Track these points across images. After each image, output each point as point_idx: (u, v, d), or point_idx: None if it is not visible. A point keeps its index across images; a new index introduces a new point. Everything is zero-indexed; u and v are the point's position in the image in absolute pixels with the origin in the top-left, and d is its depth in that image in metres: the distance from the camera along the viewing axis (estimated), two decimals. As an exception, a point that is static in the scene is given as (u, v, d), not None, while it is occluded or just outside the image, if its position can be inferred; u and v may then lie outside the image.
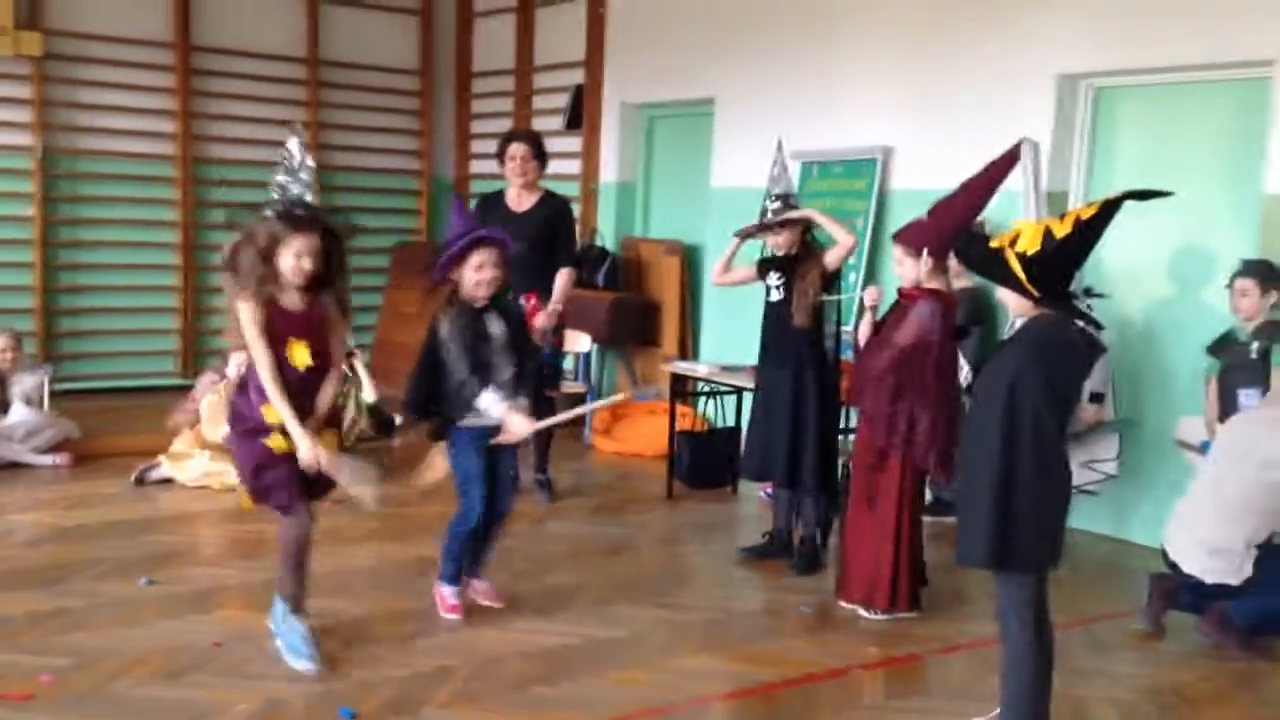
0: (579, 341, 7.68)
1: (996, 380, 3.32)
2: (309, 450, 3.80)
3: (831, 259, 5.09)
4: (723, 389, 6.68)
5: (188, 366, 9.05)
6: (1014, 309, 3.42)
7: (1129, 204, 3.24)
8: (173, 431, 6.48)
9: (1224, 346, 5.11)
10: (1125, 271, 5.89)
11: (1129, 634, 4.65)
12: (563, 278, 5.98)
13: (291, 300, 3.80)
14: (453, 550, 4.45)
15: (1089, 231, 3.26)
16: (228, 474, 6.18)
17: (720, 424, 6.95)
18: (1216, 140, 5.67)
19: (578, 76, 8.97)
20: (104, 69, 8.65)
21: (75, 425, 6.83)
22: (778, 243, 5.15)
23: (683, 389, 6.75)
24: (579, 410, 4.59)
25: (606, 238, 8.68)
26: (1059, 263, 3.26)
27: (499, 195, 6.25)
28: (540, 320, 5.49)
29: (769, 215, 5.11)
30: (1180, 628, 4.61)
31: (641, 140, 8.89)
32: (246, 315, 3.75)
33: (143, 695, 3.67)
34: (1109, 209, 3.26)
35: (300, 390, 3.82)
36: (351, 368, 6.70)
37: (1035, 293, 3.24)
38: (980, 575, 4.93)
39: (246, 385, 3.89)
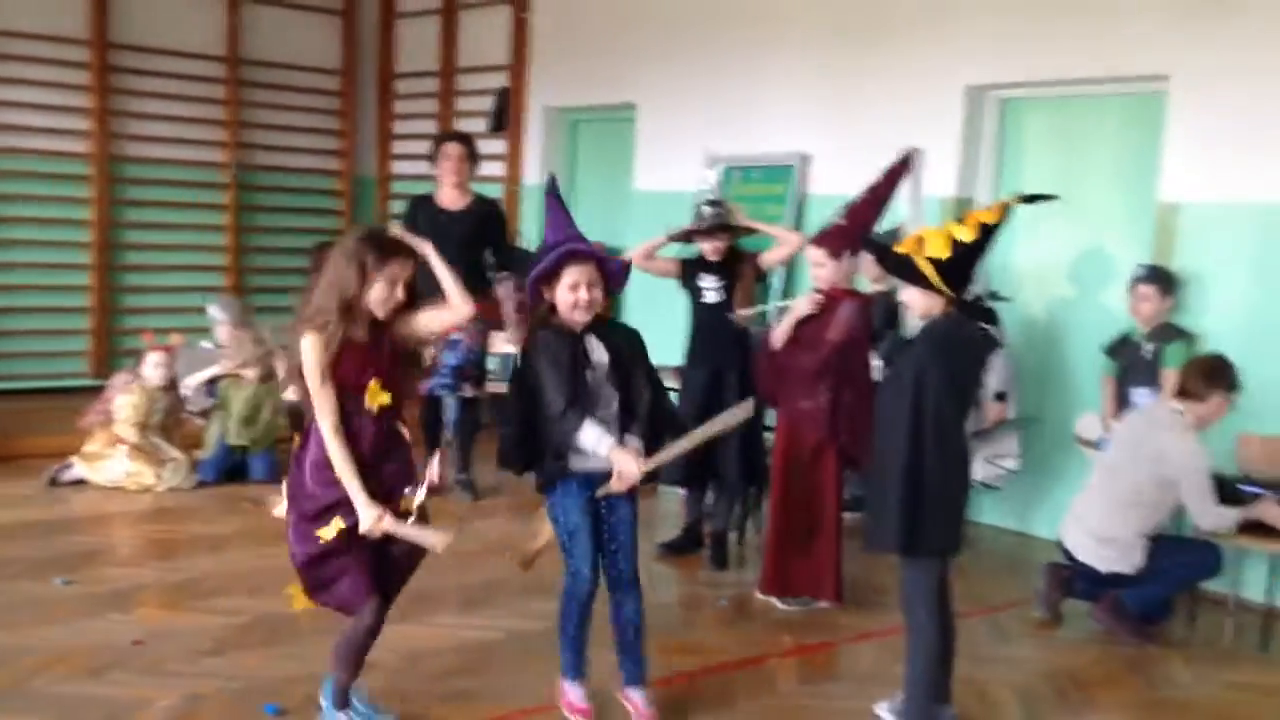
0: (503, 342, 7.73)
1: (903, 377, 3.52)
2: (373, 520, 3.21)
3: (772, 259, 5.28)
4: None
5: (100, 367, 8.88)
6: (920, 311, 3.57)
7: (1033, 211, 3.44)
8: (85, 432, 6.41)
9: (1120, 348, 5.36)
10: (1029, 275, 6.14)
11: (1028, 622, 4.86)
12: (507, 285, 6.07)
13: (359, 333, 3.25)
14: (566, 630, 3.67)
15: (990, 234, 3.46)
16: (144, 474, 6.16)
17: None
18: (1116, 150, 5.94)
19: (502, 80, 9.02)
20: (18, 65, 8.47)
21: (-14, 426, 6.73)
22: (717, 248, 5.29)
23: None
24: (698, 435, 3.71)
25: (530, 240, 8.74)
26: (965, 264, 3.46)
27: (429, 197, 6.28)
28: (512, 343, 5.54)
29: (706, 219, 5.25)
30: (1076, 615, 4.84)
31: (565, 144, 8.97)
32: (314, 355, 3.18)
33: (63, 692, 3.68)
34: (1006, 213, 3.46)
35: (376, 439, 3.28)
36: (272, 366, 6.71)
37: (949, 292, 3.43)
38: (890, 566, 5.14)
39: (302, 457, 3.31)
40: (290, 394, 6.60)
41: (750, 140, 7.29)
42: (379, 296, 3.22)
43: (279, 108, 9.79)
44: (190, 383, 6.69)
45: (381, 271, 3.20)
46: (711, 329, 5.31)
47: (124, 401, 6.27)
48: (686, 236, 5.41)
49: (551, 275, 3.48)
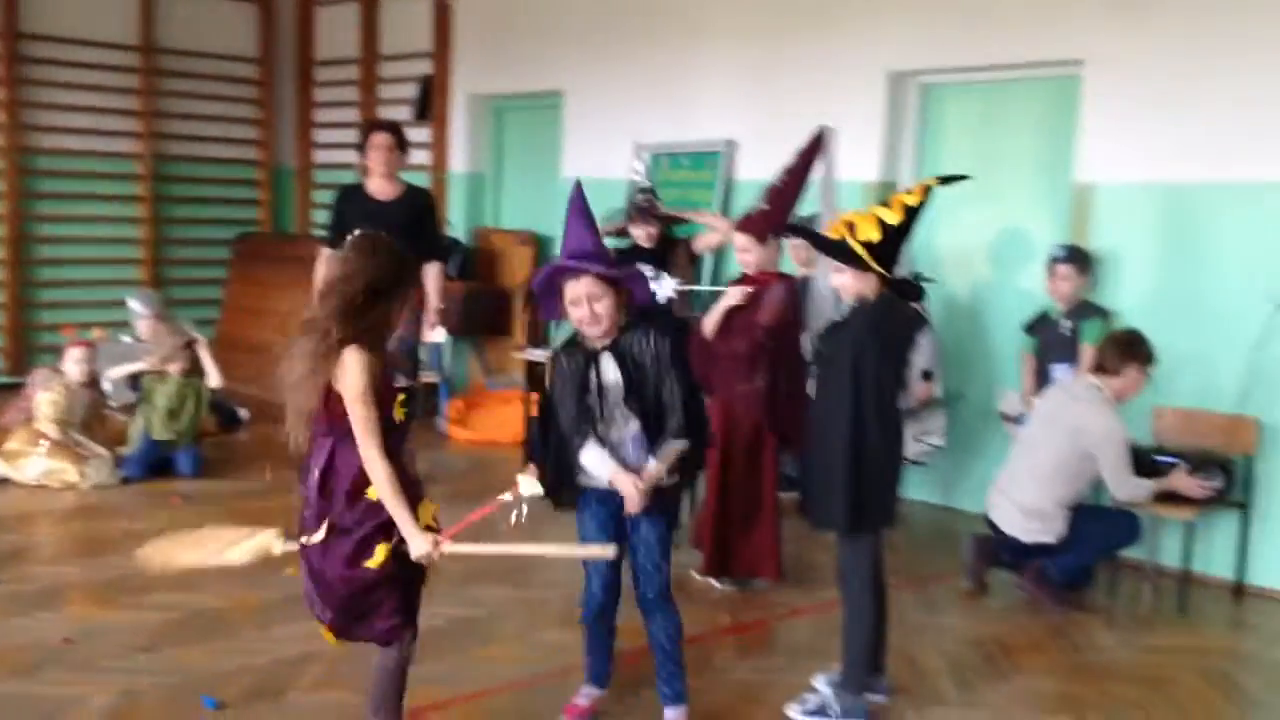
0: (435, 332, 7.69)
1: (840, 357, 3.58)
2: (428, 548, 2.97)
3: (704, 244, 5.35)
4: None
5: (16, 363, 8.69)
6: (853, 292, 3.63)
7: (954, 194, 3.52)
8: (5, 430, 6.26)
9: (1039, 325, 5.51)
10: (951, 256, 6.28)
11: (956, 593, 5.00)
12: (435, 273, 6.03)
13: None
14: (587, 643, 3.65)
15: (914, 215, 3.57)
16: (67, 471, 6.03)
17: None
18: (1033, 134, 6.09)
19: (425, 67, 8.96)
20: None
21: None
22: (650, 234, 5.35)
23: (536, 376, 6.86)
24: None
25: (458, 228, 8.71)
26: (894, 245, 3.56)
27: (359, 186, 6.21)
28: (431, 335, 5.51)
29: (640, 206, 5.30)
30: (1001, 585, 4.98)
31: (491, 131, 8.95)
32: (364, 374, 2.88)
33: (-6, 693, 3.61)
34: (928, 194, 3.57)
35: (397, 453, 3.02)
36: (195, 357, 6.61)
37: (883, 271, 3.52)
38: (820, 543, 5.24)
39: (329, 485, 2.99)
40: (215, 380, 6.53)
41: (678, 127, 7.34)
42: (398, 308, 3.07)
43: (196, 96, 9.64)
44: (112, 375, 6.56)
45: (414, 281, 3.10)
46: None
47: (45, 398, 6.13)
48: (621, 230, 5.45)
49: (558, 293, 3.35)
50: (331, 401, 2.93)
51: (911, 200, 3.55)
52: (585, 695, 3.65)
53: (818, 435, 3.67)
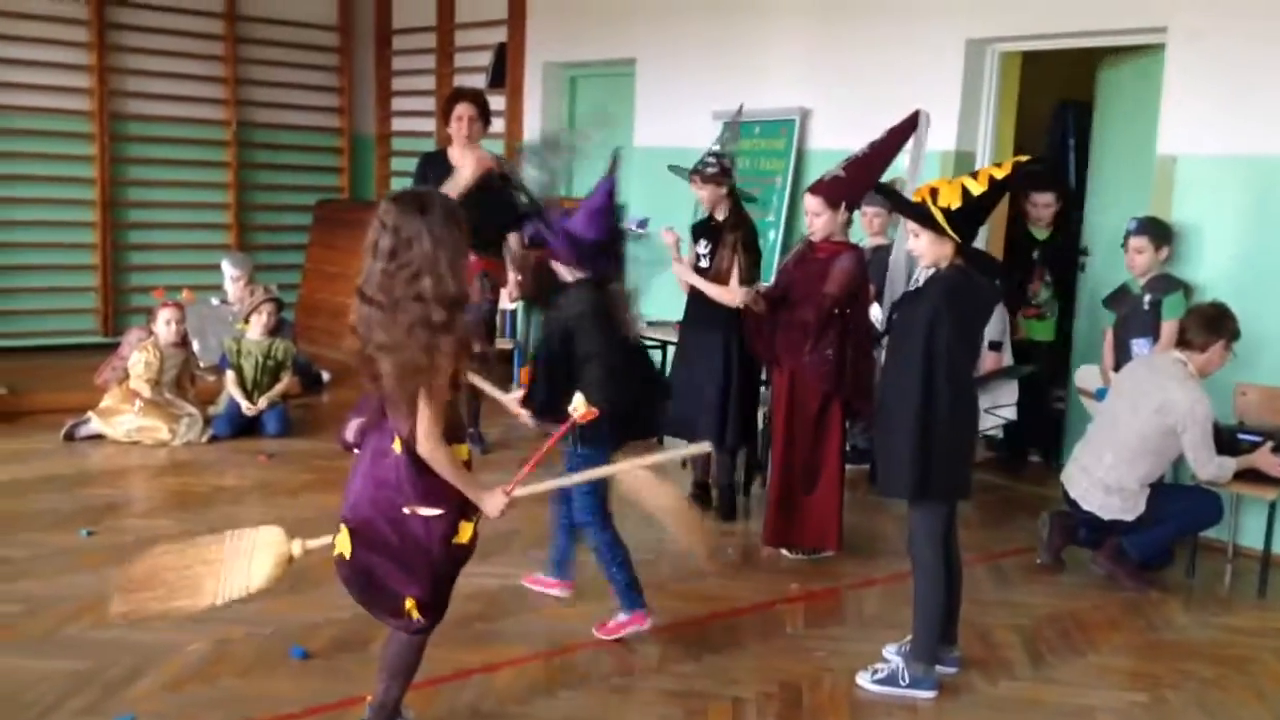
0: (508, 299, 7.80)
1: (914, 325, 3.60)
2: (500, 503, 3.07)
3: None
4: (648, 343, 6.86)
5: (108, 324, 8.97)
6: (929, 259, 3.65)
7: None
8: (101, 388, 6.49)
9: (1118, 299, 5.44)
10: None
11: (1030, 568, 4.98)
12: (515, 242, 6.11)
13: None
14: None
15: (1000, 188, 3.57)
16: (159, 429, 6.24)
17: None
18: (1115, 104, 5.98)
19: (500, 35, 9.02)
20: (17, 23, 8.47)
21: (-1, 383, 6.80)
22: (702, 198, 5.31)
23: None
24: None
25: (532, 195, 8.76)
26: (975, 216, 3.57)
27: (442, 154, 6.29)
28: (508, 303, 5.57)
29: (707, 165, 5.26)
30: (1076, 561, 4.96)
31: (564, 99, 8.98)
32: (448, 367, 2.87)
33: (97, 638, 3.78)
34: (1019, 170, 3.58)
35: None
36: (281, 320, 6.77)
37: (958, 239, 3.53)
38: (888, 515, 5.26)
39: (410, 485, 2.94)
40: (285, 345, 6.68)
41: (750, 95, 7.29)
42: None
43: (278, 64, 9.79)
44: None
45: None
46: (696, 292, 5.26)
47: (138, 359, 6.34)
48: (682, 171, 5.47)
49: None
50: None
51: (999, 173, 3.56)
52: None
53: (887, 403, 3.71)
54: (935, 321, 3.54)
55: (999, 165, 3.62)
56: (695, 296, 5.33)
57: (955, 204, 3.50)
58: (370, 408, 3.03)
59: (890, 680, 3.72)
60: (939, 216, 3.51)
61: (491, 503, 3.05)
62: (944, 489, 3.64)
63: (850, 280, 4.72)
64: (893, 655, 3.87)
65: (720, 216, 5.28)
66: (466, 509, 3.03)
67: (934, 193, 3.55)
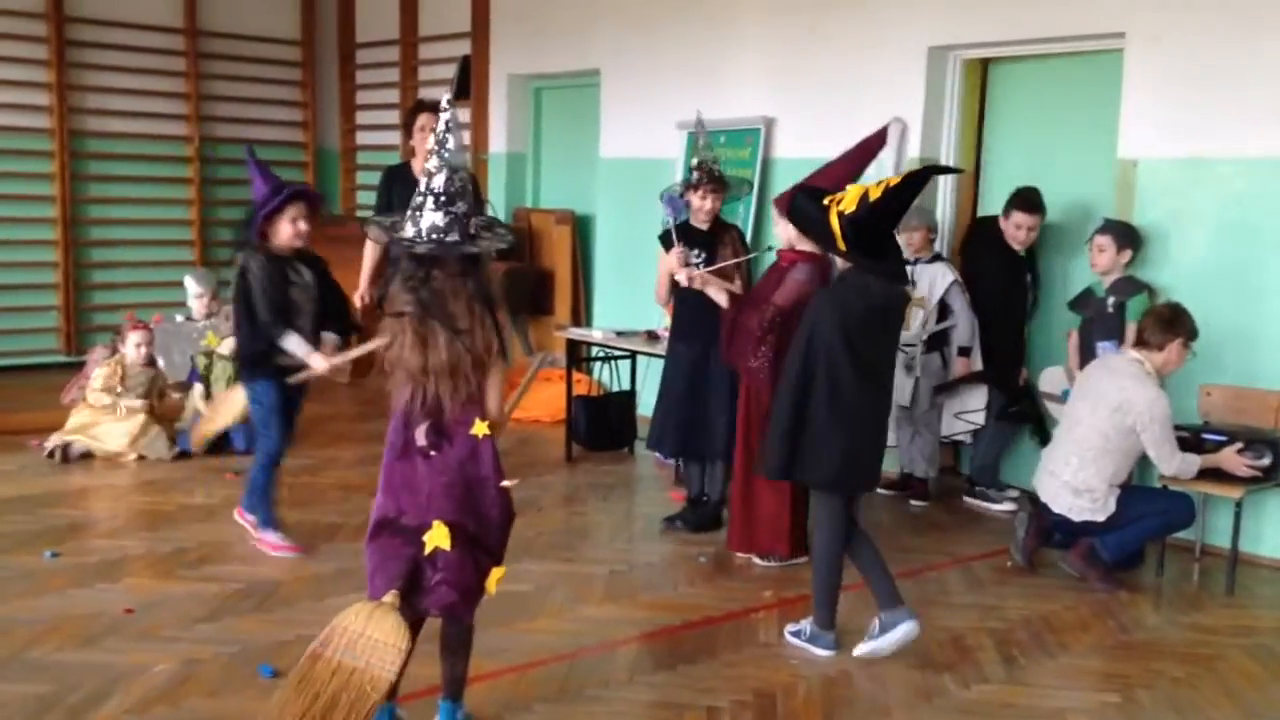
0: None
1: (803, 325, 3.94)
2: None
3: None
4: (617, 354, 6.87)
5: (71, 343, 8.87)
6: (839, 264, 4.00)
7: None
8: (68, 407, 6.42)
9: (1083, 302, 5.49)
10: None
11: (999, 570, 5.00)
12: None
13: None
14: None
15: (897, 197, 3.77)
16: (120, 437, 6.18)
17: (615, 388, 7.14)
18: (1077, 109, 6.03)
19: (464, 48, 9.00)
20: (-29, 39, 8.40)
21: (-42, 404, 6.70)
22: (703, 208, 5.23)
23: (578, 355, 6.92)
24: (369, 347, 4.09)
25: (497, 208, 8.74)
26: (871, 222, 3.77)
27: (405, 166, 6.27)
28: None
29: (694, 179, 5.23)
30: (1046, 564, 4.98)
31: (530, 111, 8.99)
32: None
33: (60, 660, 3.72)
34: (913, 180, 3.79)
35: None
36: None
37: (843, 247, 3.80)
38: (866, 524, 5.27)
39: (492, 435, 3.12)
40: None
41: (715, 105, 7.31)
42: None
43: (240, 79, 9.74)
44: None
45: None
46: (697, 302, 5.13)
47: (98, 373, 6.31)
48: (680, 199, 5.41)
49: (277, 212, 4.59)
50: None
51: (894, 182, 3.75)
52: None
53: (776, 393, 4.05)
54: (818, 322, 3.86)
55: (897, 175, 3.85)
56: (691, 309, 5.23)
57: (851, 209, 3.74)
58: (422, 410, 3.06)
59: (797, 634, 4.12)
60: (834, 222, 3.76)
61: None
62: (815, 474, 3.93)
63: (799, 292, 4.63)
64: (789, 636, 4.17)
65: (706, 224, 5.26)
66: None
67: (841, 198, 3.77)
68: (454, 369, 3.01)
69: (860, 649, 3.98)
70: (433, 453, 3.08)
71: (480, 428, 3.08)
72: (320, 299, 4.78)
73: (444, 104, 3.05)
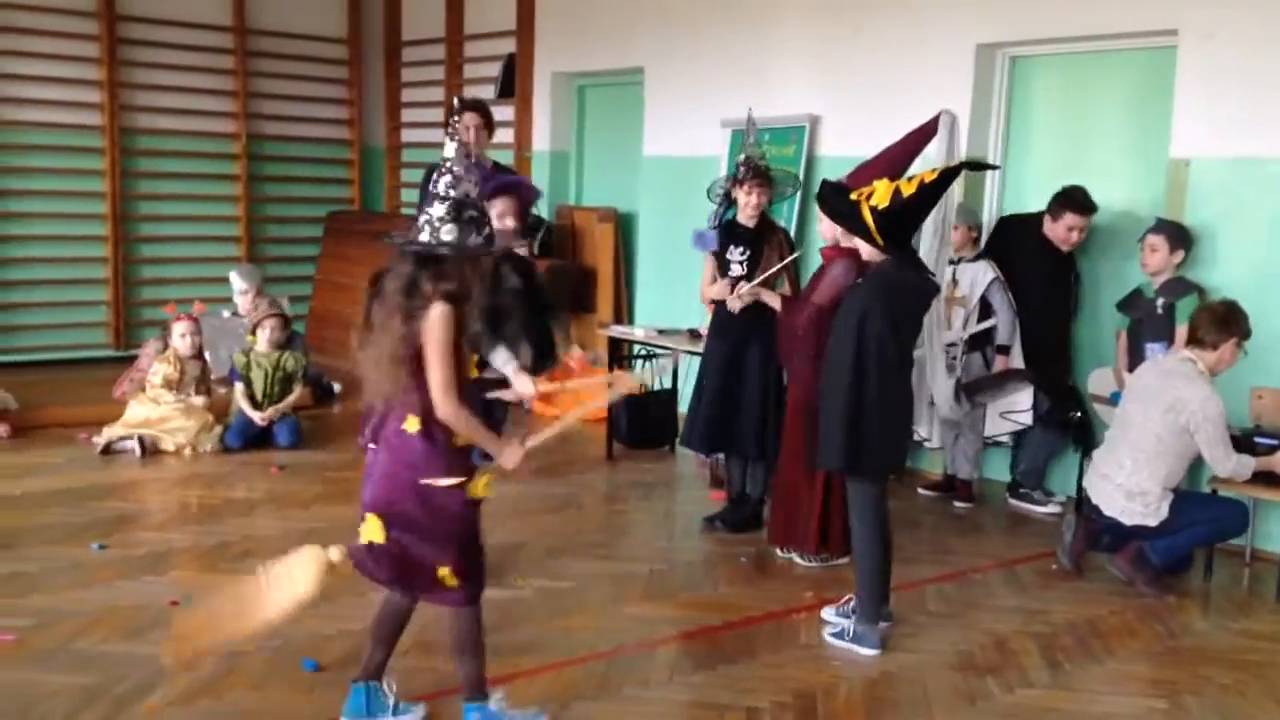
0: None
1: (849, 317, 3.96)
2: (517, 455, 3.20)
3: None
4: (659, 352, 6.86)
5: (120, 338, 9.00)
6: (866, 256, 4.01)
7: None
8: (121, 400, 6.51)
9: (1132, 302, 5.40)
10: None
11: (1046, 574, 4.93)
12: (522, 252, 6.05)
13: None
14: None
15: (930, 193, 3.84)
16: (178, 433, 6.26)
17: (657, 386, 7.12)
18: (1127, 107, 5.95)
19: (509, 46, 9.03)
20: (28, 39, 8.53)
21: (11, 397, 6.80)
22: (750, 203, 5.16)
23: (620, 353, 6.91)
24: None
25: (541, 206, 8.78)
26: (903, 217, 3.86)
27: None
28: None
29: (740, 173, 5.17)
30: (1092, 568, 4.91)
31: (573, 109, 8.99)
32: (446, 330, 2.99)
33: (106, 651, 3.77)
34: (948, 175, 3.85)
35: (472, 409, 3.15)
36: (292, 333, 6.78)
37: (880, 241, 3.84)
38: (905, 523, 5.25)
39: (430, 429, 3.06)
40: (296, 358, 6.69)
41: (759, 103, 7.26)
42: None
43: (287, 77, 9.83)
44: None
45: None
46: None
47: (158, 369, 6.42)
48: (726, 197, 5.36)
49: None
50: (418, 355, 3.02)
51: (929, 177, 3.80)
52: None
53: (826, 387, 4.06)
54: (867, 314, 3.89)
55: (932, 171, 3.86)
56: (721, 307, 5.21)
57: (883, 203, 3.78)
58: (376, 406, 3.16)
59: (840, 636, 4.10)
60: (866, 216, 3.80)
61: (509, 455, 3.18)
62: (873, 465, 3.99)
63: (837, 290, 4.57)
64: (831, 616, 4.24)
65: (752, 221, 5.22)
66: (473, 470, 3.15)
67: (871, 193, 3.81)
68: (375, 365, 3.04)
69: (828, 612, 4.25)
70: (370, 445, 3.21)
71: (411, 423, 3.05)
72: (525, 308, 4.31)
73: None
